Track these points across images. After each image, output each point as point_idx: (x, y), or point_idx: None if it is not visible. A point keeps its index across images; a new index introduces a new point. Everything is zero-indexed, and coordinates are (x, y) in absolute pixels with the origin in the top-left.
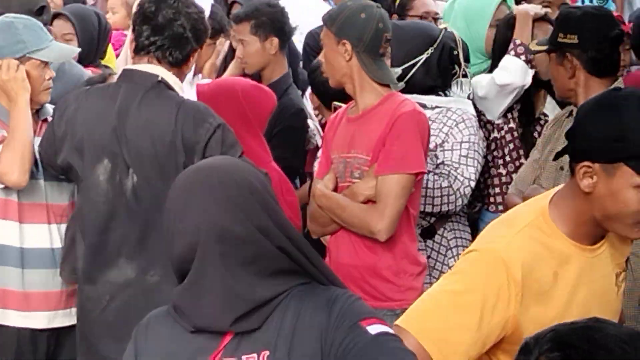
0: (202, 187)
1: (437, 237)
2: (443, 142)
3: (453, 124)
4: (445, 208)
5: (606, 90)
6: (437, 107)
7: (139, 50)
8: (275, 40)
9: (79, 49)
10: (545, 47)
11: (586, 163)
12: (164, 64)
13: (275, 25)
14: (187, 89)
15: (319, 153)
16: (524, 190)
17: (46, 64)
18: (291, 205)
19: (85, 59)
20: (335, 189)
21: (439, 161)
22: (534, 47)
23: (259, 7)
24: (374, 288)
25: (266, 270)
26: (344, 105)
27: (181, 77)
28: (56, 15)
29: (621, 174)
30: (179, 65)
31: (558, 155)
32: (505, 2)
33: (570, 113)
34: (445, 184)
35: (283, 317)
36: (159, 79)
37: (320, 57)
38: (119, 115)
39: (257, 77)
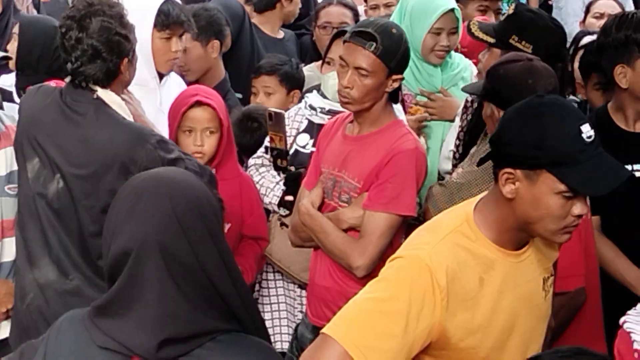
0: (151, 196)
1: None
2: None
3: None
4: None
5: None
6: None
7: (70, 75)
8: (217, 43)
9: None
10: (491, 40)
11: (508, 169)
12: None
13: (214, 28)
14: (176, 90)
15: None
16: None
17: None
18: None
19: (23, 66)
20: (322, 204)
21: None
22: (476, 32)
23: (196, 12)
24: None
25: (195, 301)
26: None
27: (118, 91)
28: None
29: (543, 180)
30: (107, 83)
31: (482, 161)
32: (453, 11)
33: None
34: None
35: None
36: (95, 96)
37: (347, 82)
38: (53, 122)
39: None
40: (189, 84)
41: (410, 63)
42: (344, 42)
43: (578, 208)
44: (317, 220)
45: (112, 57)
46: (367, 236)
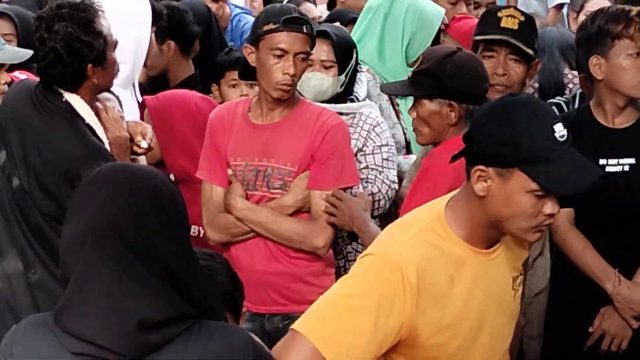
0: (106, 183)
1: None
2: (363, 146)
3: (370, 127)
4: (375, 213)
5: (503, 95)
6: (350, 113)
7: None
8: (173, 44)
9: (32, 52)
10: (530, 51)
11: (480, 167)
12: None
13: (175, 30)
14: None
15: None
16: None
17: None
18: None
19: (25, 62)
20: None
21: (362, 166)
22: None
23: (158, 11)
24: (296, 292)
25: (156, 286)
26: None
27: (89, 95)
28: None
29: (515, 179)
30: (71, 87)
31: (454, 158)
32: None
33: None
34: (374, 189)
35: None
36: (64, 99)
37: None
38: (24, 119)
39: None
40: (151, 78)
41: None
42: (270, 32)
43: (549, 207)
44: (262, 213)
45: (73, 62)
46: (323, 215)
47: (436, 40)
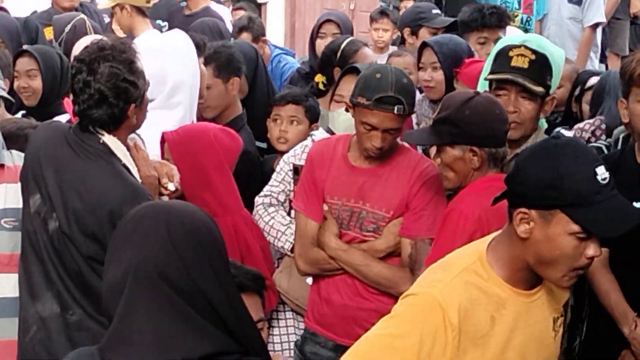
0: (145, 223)
1: None
2: None
3: None
4: None
5: (546, 138)
6: None
7: (78, 117)
8: (237, 80)
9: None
10: (540, 89)
11: (523, 209)
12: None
13: (234, 65)
14: None
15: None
16: None
17: None
18: (264, 250)
19: (49, 96)
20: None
21: None
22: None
23: (217, 49)
24: None
25: (195, 323)
26: None
27: (125, 135)
28: (21, 53)
29: (557, 221)
30: (113, 128)
31: (496, 200)
32: None
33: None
34: None
35: None
36: (101, 141)
37: (380, 144)
38: (61, 161)
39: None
40: (205, 120)
41: None
42: (362, 106)
43: (592, 250)
44: (354, 255)
45: (118, 103)
46: (418, 264)
47: (450, 85)
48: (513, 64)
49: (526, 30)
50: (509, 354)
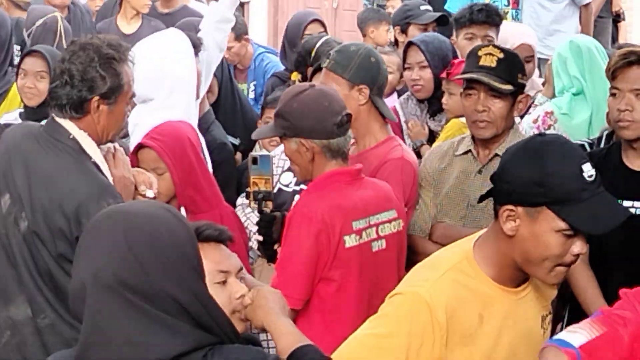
0: (106, 230)
1: None
2: None
3: None
4: None
5: (532, 135)
6: None
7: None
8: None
9: None
10: (510, 88)
11: (509, 206)
12: (67, 117)
13: None
14: None
15: None
16: (426, 231)
17: None
18: (246, 243)
19: None
20: None
21: None
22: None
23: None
24: None
25: (168, 323)
26: None
27: (96, 132)
28: (30, 52)
29: (544, 218)
30: (73, 114)
31: (482, 198)
32: None
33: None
34: None
35: None
36: (71, 136)
37: None
38: (29, 159)
39: None
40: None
41: None
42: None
43: (578, 247)
44: None
45: (81, 88)
46: None
47: (438, 84)
48: (481, 63)
49: None
50: (498, 352)
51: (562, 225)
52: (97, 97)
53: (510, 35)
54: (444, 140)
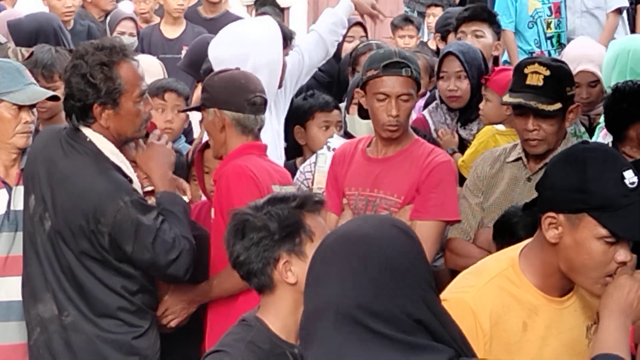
0: (343, 258)
1: None
2: None
3: None
4: None
5: (575, 142)
6: None
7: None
8: None
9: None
10: (558, 106)
11: (551, 214)
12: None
13: None
14: None
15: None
16: (470, 235)
17: (22, 107)
18: None
19: None
20: None
21: None
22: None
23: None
24: None
25: (411, 344)
26: None
27: (110, 137)
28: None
29: (585, 225)
30: (83, 123)
31: (527, 206)
32: None
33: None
34: None
35: None
36: (87, 139)
37: (395, 111)
38: (52, 161)
39: None
40: None
41: None
42: (372, 78)
43: (622, 255)
44: None
45: (79, 99)
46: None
47: (478, 91)
48: (528, 82)
49: (559, 35)
50: None
51: (603, 232)
52: (96, 105)
53: (570, 60)
54: (476, 148)
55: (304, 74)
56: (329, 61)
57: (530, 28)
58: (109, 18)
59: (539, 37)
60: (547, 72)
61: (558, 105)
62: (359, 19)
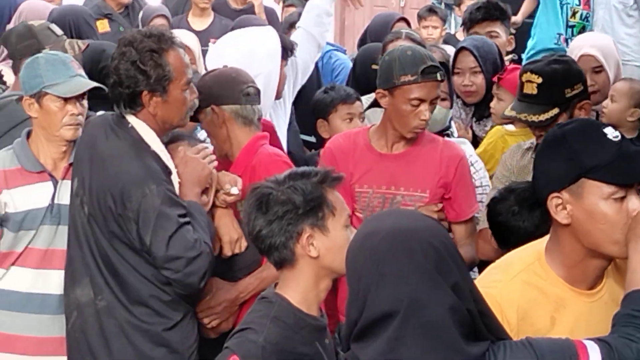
0: (398, 253)
1: None
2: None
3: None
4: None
5: (551, 129)
6: None
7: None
8: None
9: (95, 84)
10: (554, 112)
11: (554, 194)
12: (127, 112)
13: None
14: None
15: None
16: None
17: (68, 99)
18: None
19: None
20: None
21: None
22: (529, 117)
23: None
24: None
25: (460, 332)
26: None
27: (157, 125)
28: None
29: (589, 190)
30: (130, 110)
31: (537, 204)
32: None
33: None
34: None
35: None
36: (130, 125)
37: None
38: (94, 145)
39: None
40: None
41: None
42: (408, 83)
43: (635, 204)
44: None
45: (129, 86)
46: (470, 241)
47: (488, 90)
48: (525, 91)
49: (584, 27)
50: None
51: (608, 189)
52: (146, 92)
53: (574, 47)
54: (485, 148)
55: (300, 74)
56: None
57: (559, 10)
58: (141, 14)
59: (562, 22)
60: (540, 80)
61: (554, 112)
62: (401, 14)
